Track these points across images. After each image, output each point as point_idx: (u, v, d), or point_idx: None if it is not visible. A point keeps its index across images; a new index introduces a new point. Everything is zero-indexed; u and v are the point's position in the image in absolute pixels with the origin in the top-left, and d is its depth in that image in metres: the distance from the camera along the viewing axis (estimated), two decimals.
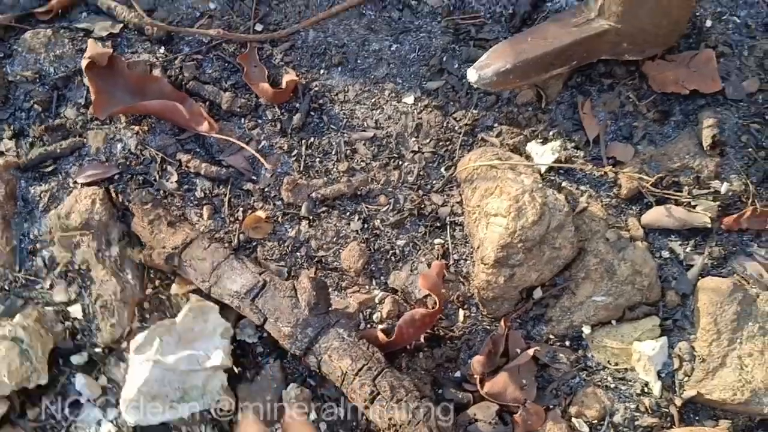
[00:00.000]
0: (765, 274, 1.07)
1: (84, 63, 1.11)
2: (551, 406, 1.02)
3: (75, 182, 1.11)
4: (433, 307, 1.02)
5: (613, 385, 1.04)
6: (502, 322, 1.04)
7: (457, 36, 1.26)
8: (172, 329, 0.95)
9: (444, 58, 1.24)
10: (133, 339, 0.97)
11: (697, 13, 1.25)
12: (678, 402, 1.02)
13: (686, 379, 1.03)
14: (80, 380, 1.00)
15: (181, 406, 0.95)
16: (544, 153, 1.14)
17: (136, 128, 1.15)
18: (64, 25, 1.23)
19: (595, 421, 1.02)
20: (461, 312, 1.08)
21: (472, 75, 1.14)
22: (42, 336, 0.99)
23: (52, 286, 1.05)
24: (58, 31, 1.22)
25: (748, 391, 0.99)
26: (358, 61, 1.25)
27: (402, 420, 0.91)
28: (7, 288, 1.05)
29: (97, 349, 1.02)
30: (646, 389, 1.03)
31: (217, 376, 0.98)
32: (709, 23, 1.25)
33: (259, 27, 1.26)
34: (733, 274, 1.08)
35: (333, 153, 1.18)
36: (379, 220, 1.13)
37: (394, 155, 1.18)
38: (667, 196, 1.11)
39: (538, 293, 1.07)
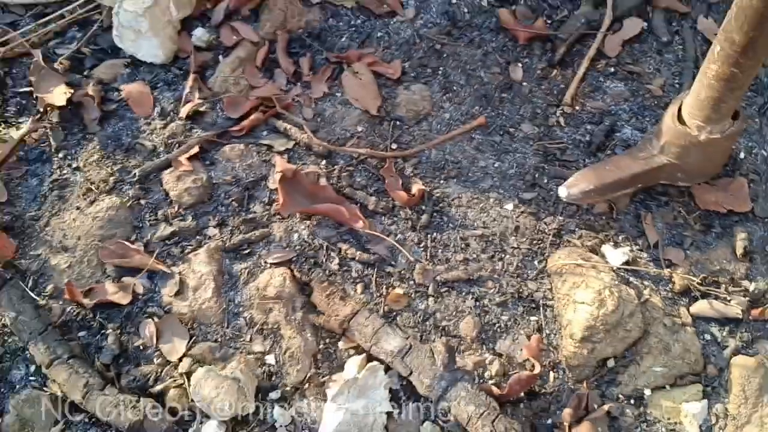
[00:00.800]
0: None
1: (277, 176, 1.50)
2: None
3: (266, 262, 1.50)
4: (532, 370, 1.39)
5: None
6: (584, 384, 1.39)
7: (546, 157, 1.65)
8: (356, 383, 1.32)
9: (536, 175, 1.63)
10: (329, 389, 1.34)
11: (734, 146, 1.62)
12: None
13: (720, 431, 1.37)
14: (277, 410, 1.37)
15: None
16: (615, 254, 1.51)
17: (308, 222, 1.55)
18: (251, 141, 1.64)
19: None
20: (551, 374, 1.44)
21: (563, 192, 1.53)
22: (249, 377, 1.37)
23: (251, 340, 1.43)
24: (247, 145, 1.63)
25: None
26: (469, 175, 1.63)
27: None
28: (219, 340, 1.43)
29: (287, 388, 1.40)
30: None
31: (381, 417, 1.34)
32: (742, 155, 1.62)
33: (394, 146, 1.66)
34: (758, 354, 1.43)
35: (451, 246, 1.55)
36: (487, 300, 1.50)
37: (498, 249, 1.55)
38: (709, 292, 1.47)
39: (611, 363, 1.42)
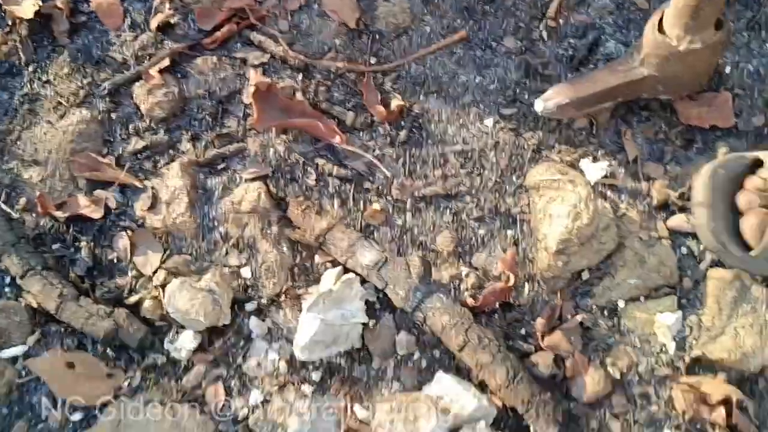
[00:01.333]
0: None
1: (251, 90, 1.47)
2: (592, 358, 1.38)
3: (241, 177, 1.48)
4: (506, 282, 1.39)
5: (639, 345, 1.39)
6: (558, 295, 1.40)
7: (527, 72, 1.61)
8: (331, 295, 1.32)
9: (517, 90, 1.59)
10: (305, 301, 1.34)
11: (720, 62, 1.58)
12: (687, 359, 1.37)
13: (694, 342, 1.38)
14: (253, 322, 1.37)
15: (331, 348, 1.33)
16: (593, 169, 1.49)
17: (284, 137, 1.52)
18: (224, 53, 1.60)
19: (624, 369, 1.37)
20: (526, 286, 1.44)
21: (539, 105, 1.50)
22: (225, 289, 1.37)
23: (227, 253, 1.43)
24: (221, 58, 1.59)
25: (740, 353, 1.34)
26: (450, 90, 1.60)
27: (486, 361, 1.28)
28: (194, 254, 1.42)
29: (263, 300, 1.40)
30: (663, 349, 1.39)
31: (356, 328, 1.35)
32: (728, 70, 1.59)
33: (373, 60, 1.62)
34: (733, 268, 1.43)
35: (430, 162, 1.53)
36: (465, 215, 1.49)
37: (477, 165, 1.53)
38: (687, 206, 1.46)
39: (586, 275, 1.42)
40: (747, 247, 1.35)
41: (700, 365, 1.38)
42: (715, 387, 1.33)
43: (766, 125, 1.54)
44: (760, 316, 1.36)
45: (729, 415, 1.30)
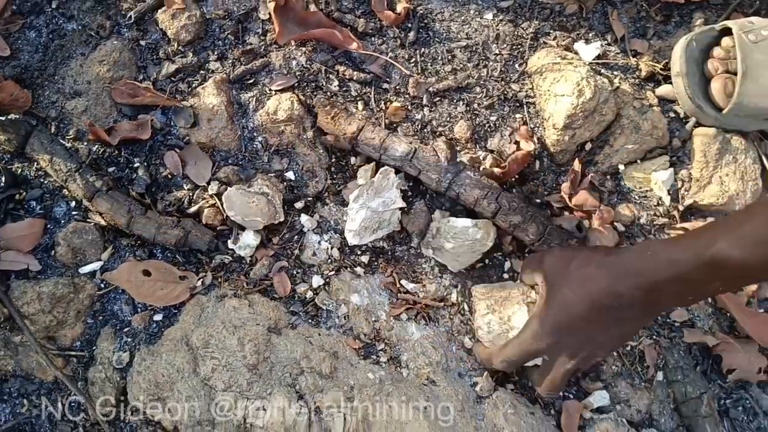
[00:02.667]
0: None
1: (271, 5, 1.57)
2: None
3: (270, 89, 1.60)
4: (527, 150, 1.56)
5: (639, 201, 1.60)
6: (576, 161, 1.58)
7: None
8: (373, 186, 1.48)
9: None
10: (349, 193, 1.50)
11: None
12: (681, 208, 1.58)
13: (686, 193, 1.59)
14: (303, 218, 1.54)
15: (377, 232, 1.50)
16: (588, 50, 1.65)
17: (303, 49, 1.64)
18: None
19: (629, 223, 1.59)
20: (537, 163, 1.63)
21: None
22: (275, 191, 1.52)
23: (269, 160, 1.57)
24: None
25: (726, 197, 1.56)
26: None
27: (518, 221, 1.47)
28: (240, 163, 1.56)
29: (309, 199, 1.56)
30: (659, 202, 1.60)
31: (396, 213, 1.52)
32: None
33: None
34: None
35: (439, 58, 1.67)
36: (476, 104, 1.65)
37: (482, 58, 1.68)
38: (671, 75, 1.65)
39: (588, 146, 1.61)
40: (719, 108, 1.55)
41: (693, 212, 1.60)
42: None
43: None
44: (741, 163, 1.58)
45: None
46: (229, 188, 1.49)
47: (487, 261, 1.59)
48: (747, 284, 1.57)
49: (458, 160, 1.54)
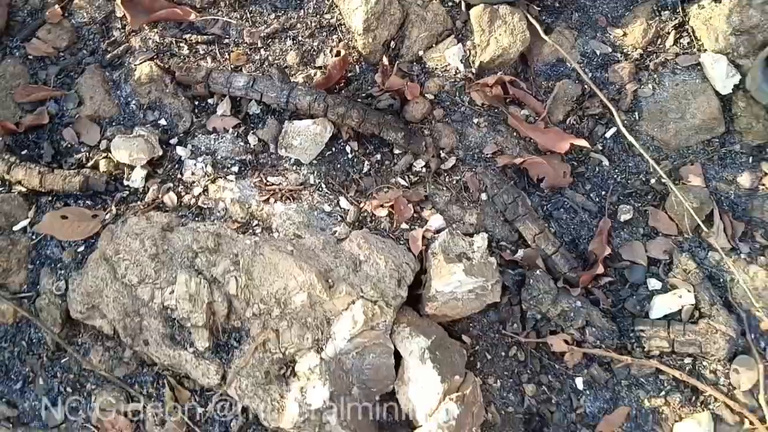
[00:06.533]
0: None
1: (118, 1, 2.01)
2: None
3: (135, 65, 2.02)
4: (340, 55, 1.98)
5: (441, 74, 2.00)
6: (384, 57, 1.98)
7: None
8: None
9: None
10: (212, 124, 1.92)
11: None
12: (474, 70, 1.99)
13: (474, 58, 2.00)
14: (179, 149, 1.94)
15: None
16: None
17: (156, 30, 2.07)
18: None
19: (437, 92, 1.99)
20: (356, 67, 2.04)
21: None
22: (152, 132, 1.92)
23: (144, 115, 1.98)
24: None
25: (501, 50, 1.97)
26: None
27: (342, 111, 1.87)
28: (122, 122, 1.97)
29: (180, 135, 1.96)
30: (457, 71, 1.99)
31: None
32: None
33: None
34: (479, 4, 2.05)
35: (265, 11, 2.11)
36: (300, 37, 2.07)
37: (298, 1, 2.11)
38: None
39: (392, 44, 2.02)
40: None
41: (484, 71, 2.01)
42: (492, 78, 1.96)
43: None
44: (510, 23, 1.99)
45: (506, 90, 1.94)
46: (115, 138, 1.90)
47: (333, 149, 1.98)
48: None
49: (291, 80, 1.96)
